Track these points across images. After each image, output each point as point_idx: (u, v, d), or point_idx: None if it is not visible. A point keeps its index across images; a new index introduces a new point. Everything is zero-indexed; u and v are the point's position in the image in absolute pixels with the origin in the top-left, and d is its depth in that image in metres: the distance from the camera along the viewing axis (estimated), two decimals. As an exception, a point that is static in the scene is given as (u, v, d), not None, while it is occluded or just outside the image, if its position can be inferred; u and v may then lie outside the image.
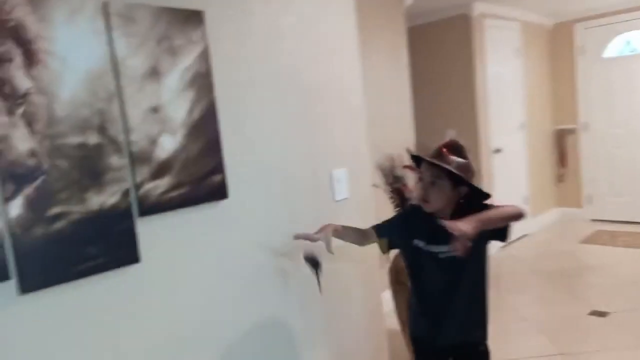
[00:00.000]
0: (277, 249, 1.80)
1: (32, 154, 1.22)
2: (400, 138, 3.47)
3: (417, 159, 1.71)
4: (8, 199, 1.18)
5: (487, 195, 1.63)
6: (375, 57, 3.50)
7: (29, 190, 1.21)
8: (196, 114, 1.55)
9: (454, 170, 1.57)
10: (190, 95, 1.53)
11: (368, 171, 2.19)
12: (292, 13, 1.85)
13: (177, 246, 1.52)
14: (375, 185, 2.38)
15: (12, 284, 1.19)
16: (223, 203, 1.63)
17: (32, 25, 1.22)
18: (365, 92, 2.20)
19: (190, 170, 1.53)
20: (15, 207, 1.19)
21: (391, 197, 2.52)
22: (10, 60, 1.18)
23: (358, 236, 1.75)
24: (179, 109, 1.51)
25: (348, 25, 2.08)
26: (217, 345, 1.62)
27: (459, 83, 4.61)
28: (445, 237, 1.47)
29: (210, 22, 1.59)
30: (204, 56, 1.57)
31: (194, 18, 1.55)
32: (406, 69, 3.82)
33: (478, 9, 4.51)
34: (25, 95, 1.21)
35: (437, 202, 1.60)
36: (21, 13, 1.20)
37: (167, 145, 1.48)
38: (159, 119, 1.47)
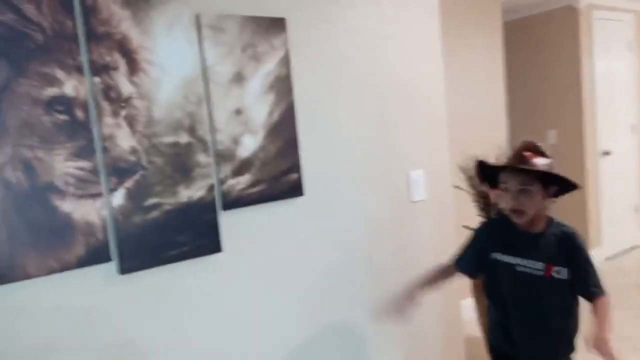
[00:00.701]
0: (351, 248, 1.84)
1: (133, 151, 1.39)
2: (491, 139, 3.32)
3: (489, 170, 1.61)
4: (112, 190, 1.36)
5: (576, 186, 1.51)
6: (468, 54, 3.38)
7: (129, 183, 1.39)
8: (275, 116, 1.65)
9: (551, 171, 1.48)
10: (270, 98, 1.64)
11: (448, 173, 2.15)
12: (374, 16, 1.88)
13: (255, 239, 1.63)
14: (457, 187, 2.32)
15: (113, 265, 1.37)
16: (299, 200, 1.71)
17: (135, 37, 1.39)
18: (455, 91, 2.16)
19: (268, 168, 1.63)
20: (118, 198, 1.37)
21: (476, 201, 2.44)
22: (116, 68, 1.36)
23: (442, 278, 1.72)
24: (260, 111, 1.62)
25: (431, 26, 2.06)
26: (286, 337, 1.71)
27: (562, 81, 4.28)
28: (523, 249, 1.41)
29: (291, 29, 1.68)
30: (285, 61, 1.66)
31: (276, 25, 1.64)
32: (501, 66, 3.65)
33: (586, 0, 4.15)
34: (128, 99, 1.38)
35: (532, 209, 1.51)
36: (126, 27, 1.37)
37: (249, 144, 1.60)
38: (242, 121, 1.58)
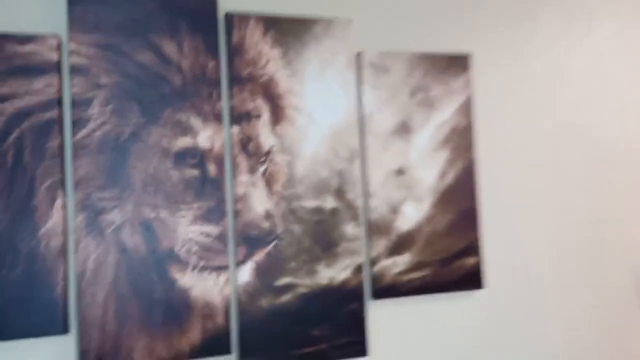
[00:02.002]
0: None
1: (268, 216, 1.12)
2: None
3: None
4: (239, 263, 1.09)
5: None
6: None
7: (260, 255, 1.11)
8: (449, 178, 1.25)
9: None
10: (443, 155, 1.25)
11: None
12: (583, 51, 1.39)
13: (411, 342, 1.21)
14: None
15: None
16: (476, 295, 1.25)
17: (283, 80, 1.15)
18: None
19: (436, 247, 1.22)
20: (245, 273, 1.10)
21: None
22: (258, 116, 1.13)
23: None
24: (429, 171, 1.24)
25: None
26: None
27: None
28: None
29: (476, 67, 1.29)
30: (465, 108, 1.27)
31: (457, 63, 1.28)
32: None
33: None
34: (268, 153, 1.13)
35: None
36: (274, 68, 1.15)
37: (411, 214, 1.22)
38: (404, 183, 1.22)
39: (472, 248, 1.25)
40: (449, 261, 1.23)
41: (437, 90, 1.26)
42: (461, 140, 1.26)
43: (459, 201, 1.25)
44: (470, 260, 1.24)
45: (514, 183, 1.31)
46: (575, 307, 1.32)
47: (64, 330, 0.98)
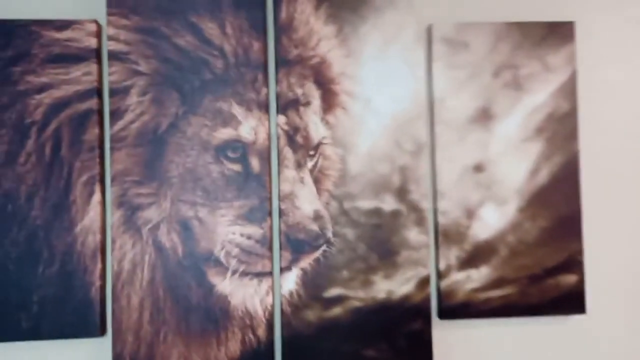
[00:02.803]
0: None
1: (317, 217, 0.98)
2: None
3: None
4: (283, 270, 0.97)
5: None
6: None
7: (307, 261, 0.98)
8: (543, 177, 1.01)
9: None
10: (536, 147, 1.01)
11: None
12: None
13: (489, 374, 1.01)
14: None
15: (271, 377, 0.97)
16: (575, 320, 1.01)
17: (336, 61, 1.00)
18: None
19: (523, 261, 1.00)
20: (290, 281, 0.97)
21: None
22: (307, 104, 0.99)
23: None
24: (516, 167, 1.01)
25: None
26: None
27: None
28: None
29: (582, 40, 1.03)
30: (567, 89, 1.02)
31: (556, 34, 1.03)
32: None
33: None
34: (318, 146, 0.99)
35: None
36: (326, 48, 1.00)
37: (491, 220, 1.00)
38: (483, 182, 1.01)
39: (572, 263, 1.00)
40: (541, 278, 1.00)
41: (530, 68, 1.03)
42: (560, 129, 1.02)
43: (556, 205, 1.01)
44: (568, 278, 1.00)
45: (627, 184, 1.03)
46: None
47: (101, 332, 0.94)
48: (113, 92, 0.94)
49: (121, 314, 0.93)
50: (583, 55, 1.04)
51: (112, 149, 0.94)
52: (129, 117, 0.95)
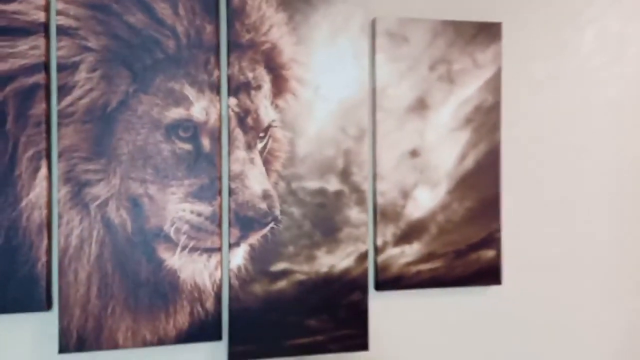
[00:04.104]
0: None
1: (265, 196, 1.04)
2: None
3: None
4: (232, 246, 1.02)
5: None
6: None
7: (255, 238, 1.03)
8: (469, 162, 1.12)
9: None
10: (464, 136, 1.12)
11: None
12: (637, 17, 1.22)
13: (416, 338, 1.12)
14: None
15: (221, 347, 1.02)
16: (493, 290, 1.14)
17: (287, 48, 1.05)
18: None
19: (450, 238, 1.11)
20: (238, 257, 1.02)
21: None
22: (258, 87, 1.04)
23: None
24: (447, 153, 1.12)
25: None
26: None
27: None
28: None
29: (508, 38, 1.14)
30: (493, 84, 1.14)
31: (485, 33, 1.14)
32: None
33: None
34: (268, 129, 1.04)
35: None
36: (278, 34, 1.04)
37: (424, 200, 1.11)
38: (418, 166, 1.11)
39: (491, 240, 1.13)
40: (465, 253, 1.12)
41: (461, 64, 1.13)
42: (485, 120, 1.13)
43: (479, 188, 1.13)
44: (488, 253, 1.13)
45: (542, 170, 1.18)
46: (601, 309, 1.19)
47: (47, 306, 0.94)
48: (61, 68, 0.93)
49: (68, 289, 0.94)
50: (508, 54, 1.16)
51: (59, 124, 0.93)
52: (77, 93, 0.95)
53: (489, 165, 1.13)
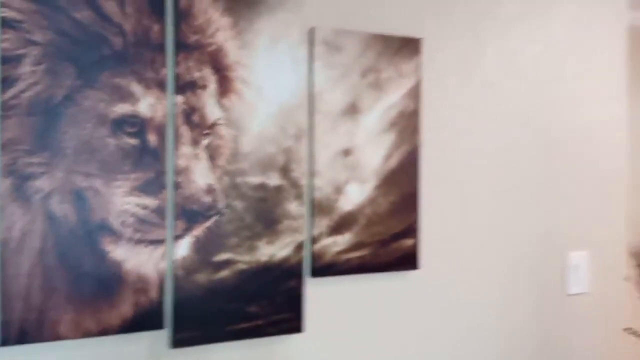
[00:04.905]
0: (476, 350, 1.36)
1: (210, 190, 1.10)
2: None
3: None
4: (177, 238, 1.07)
5: None
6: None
7: (199, 230, 1.09)
8: (393, 161, 1.27)
9: None
10: (389, 138, 1.26)
11: (622, 258, 1.57)
12: (540, 40, 1.43)
13: (347, 320, 1.24)
14: (627, 280, 1.71)
15: (164, 335, 1.07)
16: (411, 275, 1.30)
17: (232, 50, 1.11)
18: (629, 149, 1.61)
19: (376, 229, 1.25)
20: (183, 248, 1.07)
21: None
22: (204, 87, 1.09)
23: None
24: (374, 153, 1.25)
25: (615, 60, 1.55)
26: None
27: None
28: None
29: (427, 52, 1.30)
30: (414, 93, 1.29)
31: (408, 47, 1.28)
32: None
33: None
34: (213, 126, 1.10)
35: None
36: (223, 37, 1.11)
37: (354, 195, 1.23)
38: (350, 164, 1.23)
39: (410, 230, 1.28)
40: (388, 242, 1.26)
41: (388, 73, 1.27)
42: (408, 124, 1.28)
43: (401, 184, 1.27)
44: (407, 242, 1.28)
45: (457, 169, 1.35)
46: (508, 292, 1.40)
47: (-16, 300, 0.93)
48: (4, 60, 0.93)
49: (10, 282, 0.94)
50: (427, 66, 1.31)
51: (2, 116, 0.93)
52: (21, 85, 0.94)
53: (410, 164, 1.28)
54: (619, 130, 1.54)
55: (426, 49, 1.31)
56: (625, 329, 1.57)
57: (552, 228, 1.44)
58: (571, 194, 1.47)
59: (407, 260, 1.28)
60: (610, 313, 1.52)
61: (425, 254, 1.31)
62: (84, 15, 0.99)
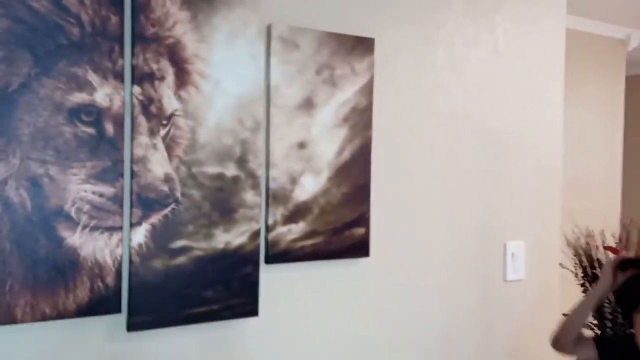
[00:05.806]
0: (422, 332, 1.45)
1: (167, 179, 1.13)
2: (604, 208, 2.78)
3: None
4: (134, 225, 1.10)
5: None
6: (582, 107, 2.89)
7: (156, 218, 1.12)
8: (346, 154, 1.33)
9: None
10: (342, 132, 1.33)
11: (556, 248, 1.70)
12: (485, 44, 1.53)
13: (300, 304, 1.30)
14: (562, 267, 1.85)
15: (120, 319, 1.10)
16: (362, 262, 1.37)
17: (190, 44, 1.15)
18: (567, 147, 1.74)
19: (329, 218, 1.31)
20: (139, 235, 1.10)
21: (583, 287, 1.95)
22: (162, 78, 1.12)
23: (576, 335, 1.24)
24: (328, 146, 1.31)
25: (554, 65, 1.67)
26: None
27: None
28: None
29: (380, 52, 1.37)
30: (367, 90, 1.35)
31: (362, 46, 1.35)
32: (620, 124, 3.10)
33: None
34: (170, 117, 1.13)
35: None
36: (181, 31, 1.14)
37: (308, 186, 1.29)
38: (304, 156, 1.28)
39: (362, 219, 1.35)
40: (340, 231, 1.33)
41: (342, 70, 1.33)
42: (360, 119, 1.35)
43: (354, 176, 1.34)
44: (359, 231, 1.35)
45: (406, 163, 1.43)
46: (451, 278, 1.49)
47: None
48: (-42, 45, 0.93)
49: (-38, 267, 0.94)
50: (379, 64, 1.38)
51: (-46, 102, 0.93)
52: (-26, 72, 0.95)
53: (362, 158, 1.35)
54: (554, 133, 1.67)
55: (379, 48, 1.37)
56: (564, 314, 1.70)
57: (492, 219, 1.55)
58: (510, 189, 1.58)
59: (359, 248, 1.35)
60: (545, 298, 1.64)
61: (375, 242, 1.38)
62: (41, 4, 1.00)
